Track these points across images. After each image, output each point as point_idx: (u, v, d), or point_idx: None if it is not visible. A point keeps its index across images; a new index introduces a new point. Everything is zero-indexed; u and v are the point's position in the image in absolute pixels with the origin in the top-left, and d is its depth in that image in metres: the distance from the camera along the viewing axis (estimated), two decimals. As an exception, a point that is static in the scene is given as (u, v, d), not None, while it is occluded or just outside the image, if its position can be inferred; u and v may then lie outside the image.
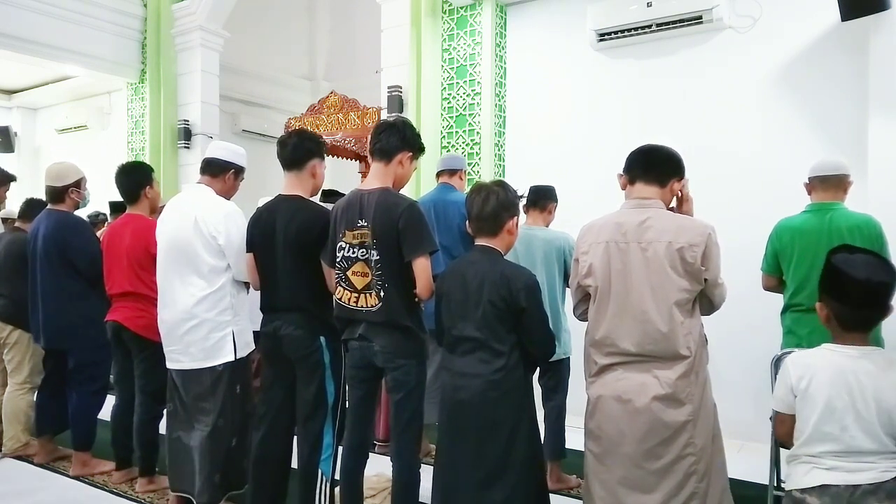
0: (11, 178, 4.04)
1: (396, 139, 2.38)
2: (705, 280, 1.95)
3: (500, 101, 4.91)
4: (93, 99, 7.52)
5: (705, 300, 2.02)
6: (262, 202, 2.73)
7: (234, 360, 2.70)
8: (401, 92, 5.03)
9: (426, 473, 2.35)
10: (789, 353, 2.39)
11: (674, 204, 2.17)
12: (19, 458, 3.67)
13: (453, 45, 4.95)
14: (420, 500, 2.40)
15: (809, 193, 3.06)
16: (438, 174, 3.67)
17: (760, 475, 2.83)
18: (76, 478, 3.39)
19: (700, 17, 4.08)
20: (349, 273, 2.34)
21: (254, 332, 2.79)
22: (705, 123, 4.15)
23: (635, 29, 4.31)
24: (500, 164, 4.92)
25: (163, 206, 3.18)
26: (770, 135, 3.96)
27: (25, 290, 3.51)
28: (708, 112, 4.16)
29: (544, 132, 4.81)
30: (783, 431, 1.87)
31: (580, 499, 2.32)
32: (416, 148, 2.45)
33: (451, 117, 4.96)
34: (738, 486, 2.32)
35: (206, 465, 2.68)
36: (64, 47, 6.09)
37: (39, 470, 3.54)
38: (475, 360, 2.11)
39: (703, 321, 2.05)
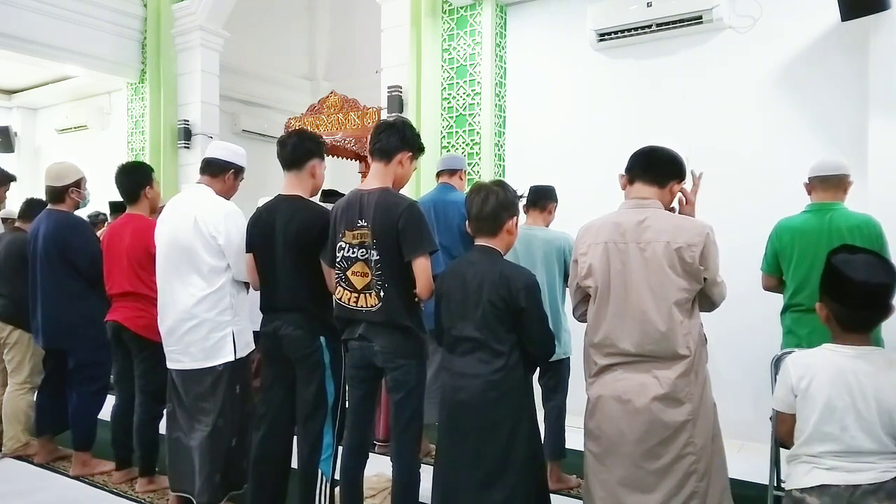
0: (11, 178, 4.04)
1: (396, 139, 2.38)
2: (704, 279, 1.95)
3: (500, 101, 4.91)
4: (93, 99, 7.52)
5: (705, 298, 2.02)
6: (261, 202, 2.73)
7: (234, 360, 2.70)
8: (401, 92, 5.03)
9: (426, 473, 2.35)
10: (789, 353, 2.40)
11: (675, 205, 2.18)
12: (19, 458, 3.67)
13: (453, 45, 4.95)
14: (420, 500, 2.40)
15: (809, 193, 3.06)
16: (438, 174, 3.67)
17: (760, 475, 2.83)
18: (76, 478, 3.39)
19: (700, 17, 4.09)
20: (349, 273, 2.34)
21: (254, 332, 2.79)
22: (705, 123, 4.15)
23: (635, 29, 4.31)
24: (500, 164, 4.92)
25: (163, 206, 3.18)
26: (770, 135, 3.97)
27: (25, 290, 3.51)
28: (708, 112, 4.16)
29: (544, 132, 4.81)
30: (784, 431, 1.88)
31: (580, 499, 2.32)
32: (416, 148, 2.45)
33: (451, 117, 4.96)
34: (738, 486, 2.32)
35: (206, 466, 2.68)
36: (64, 47, 6.09)
37: (39, 470, 3.54)
38: (475, 361, 2.11)
39: (702, 321, 2.05)
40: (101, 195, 5.23)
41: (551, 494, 2.28)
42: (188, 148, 6.42)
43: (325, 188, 3.74)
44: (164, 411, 2.97)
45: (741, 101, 4.06)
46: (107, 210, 5.48)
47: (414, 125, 2.51)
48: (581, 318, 2.20)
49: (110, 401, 3.39)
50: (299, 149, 2.59)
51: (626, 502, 1.96)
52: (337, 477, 2.52)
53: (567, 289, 2.80)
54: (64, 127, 7.67)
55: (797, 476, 1.76)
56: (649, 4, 4.20)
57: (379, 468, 3.08)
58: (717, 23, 4.06)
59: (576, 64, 4.68)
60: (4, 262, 3.76)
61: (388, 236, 2.27)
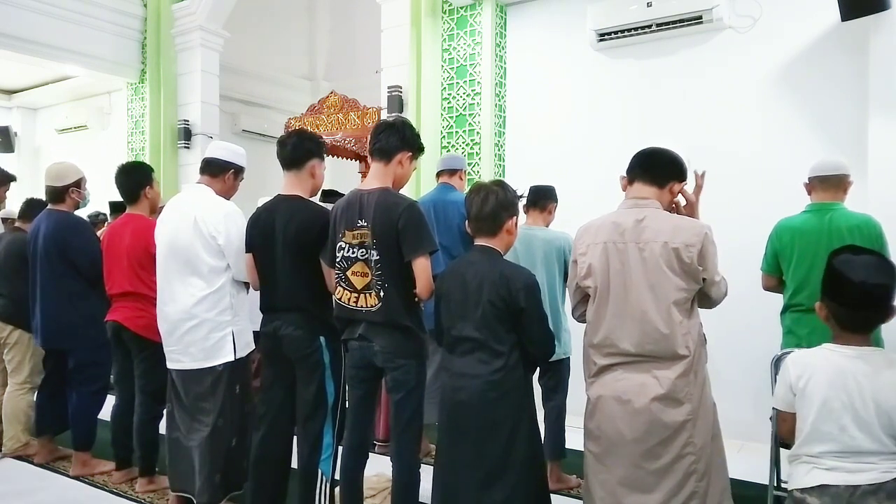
0: (11, 178, 4.04)
1: (396, 139, 2.38)
2: (703, 279, 1.95)
3: (500, 101, 4.91)
4: (93, 99, 7.52)
5: (704, 297, 2.02)
6: (261, 202, 2.73)
7: (233, 360, 2.70)
8: (401, 92, 5.03)
9: (426, 473, 2.35)
10: (789, 353, 2.40)
11: (679, 200, 2.17)
12: (19, 458, 3.67)
13: (453, 45, 4.95)
14: (420, 500, 2.40)
15: (809, 193, 3.06)
16: (438, 174, 3.67)
17: (760, 475, 2.83)
18: (76, 478, 3.39)
19: (700, 17, 4.09)
20: (349, 273, 2.34)
21: (254, 332, 2.79)
22: (705, 123, 4.15)
23: (635, 29, 4.31)
24: (500, 164, 4.92)
25: (163, 206, 3.18)
26: (770, 135, 3.96)
27: (25, 289, 3.52)
28: (708, 112, 4.16)
29: (544, 132, 4.81)
30: (785, 430, 1.88)
31: (580, 499, 2.32)
32: (416, 148, 2.45)
33: (451, 117, 4.96)
34: (738, 486, 2.31)
35: (207, 466, 2.68)
36: (64, 47, 6.09)
37: (39, 470, 3.54)
38: (474, 361, 2.11)
39: (702, 321, 2.05)
40: (101, 195, 5.23)
41: (551, 494, 2.28)
42: (188, 148, 6.42)
43: (325, 188, 3.74)
44: (164, 411, 2.97)
45: (741, 101, 4.06)
46: (107, 210, 5.48)
47: (414, 125, 2.51)
48: (580, 318, 2.20)
49: (110, 401, 3.39)
50: (299, 149, 2.59)
51: (625, 502, 1.96)
52: (337, 477, 2.52)
53: (567, 289, 2.80)
54: (64, 127, 7.67)
55: (798, 476, 1.76)
56: (649, 4, 4.20)
57: (379, 468, 3.08)
58: (717, 23, 4.06)
59: (576, 64, 4.68)
60: (4, 262, 3.76)
61: (388, 236, 2.27)
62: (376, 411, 3.42)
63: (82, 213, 3.75)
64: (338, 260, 2.37)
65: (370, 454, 2.53)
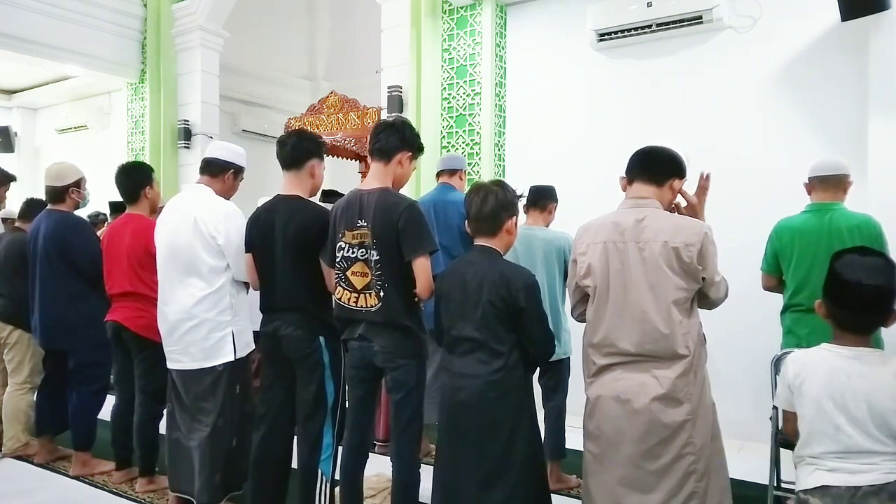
0: (11, 178, 4.04)
1: (395, 139, 2.38)
2: (703, 279, 1.95)
3: (500, 101, 4.91)
4: (93, 99, 7.52)
5: (704, 297, 2.02)
6: (261, 202, 2.73)
7: (233, 360, 2.70)
8: (401, 92, 5.03)
9: (426, 473, 2.35)
10: (789, 353, 2.40)
11: (680, 201, 2.17)
12: (19, 458, 3.67)
13: (453, 45, 4.95)
14: (420, 500, 2.40)
15: (809, 193, 3.06)
16: (438, 174, 3.67)
17: (760, 475, 2.83)
18: (76, 478, 3.39)
19: (700, 17, 4.09)
20: (349, 273, 2.34)
21: (254, 332, 2.79)
22: (705, 123, 4.15)
23: (635, 29, 4.31)
24: (500, 164, 4.92)
25: (163, 206, 3.18)
26: (770, 135, 3.96)
27: (25, 289, 3.52)
28: (708, 112, 4.16)
29: (544, 132, 4.81)
30: (789, 429, 1.90)
31: (580, 499, 2.32)
32: (416, 148, 2.45)
33: (451, 117, 4.96)
34: (738, 486, 2.31)
35: (207, 466, 2.68)
36: (64, 47, 6.09)
37: (39, 470, 3.54)
38: (474, 361, 2.11)
39: (702, 320, 2.05)
40: (101, 195, 5.23)
41: (551, 494, 2.28)
42: (188, 148, 6.42)
43: (325, 188, 3.74)
44: (165, 411, 2.97)
45: (741, 101, 4.06)
46: (107, 210, 5.48)
47: (414, 125, 2.51)
48: (580, 318, 2.19)
49: (110, 401, 3.39)
50: (298, 149, 2.59)
51: (625, 502, 1.96)
52: (337, 477, 2.51)
53: (566, 288, 2.80)
54: (64, 127, 7.67)
55: (802, 478, 1.76)
56: (649, 4, 4.20)
57: (379, 468, 3.08)
58: (717, 23, 4.06)
59: (576, 64, 4.68)
60: (4, 261, 3.76)
61: (388, 236, 2.27)
62: (376, 411, 3.42)
63: (82, 213, 3.75)
64: (338, 260, 2.37)
65: (370, 454, 2.53)
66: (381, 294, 2.28)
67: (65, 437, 3.58)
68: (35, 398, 3.72)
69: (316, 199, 2.76)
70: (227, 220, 2.68)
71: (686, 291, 1.95)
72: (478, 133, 4.82)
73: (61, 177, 3.44)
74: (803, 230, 2.95)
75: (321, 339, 2.51)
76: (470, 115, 4.87)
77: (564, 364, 3.22)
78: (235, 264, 2.68)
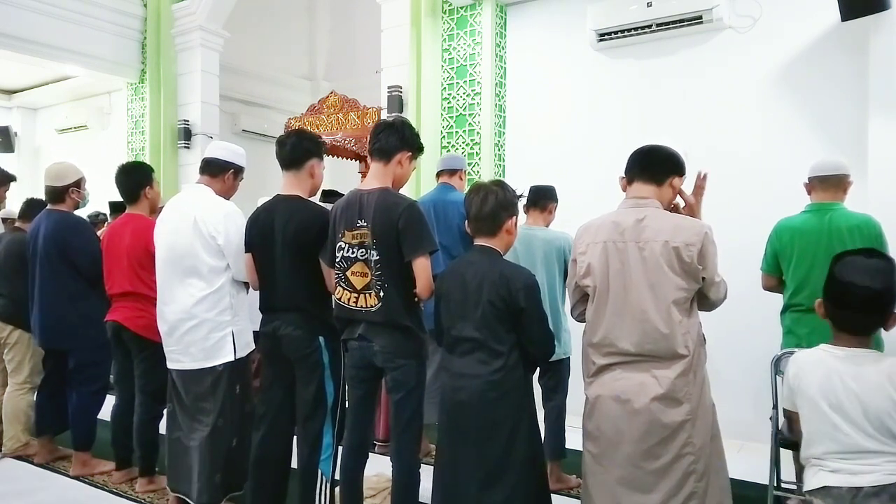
0: (11, 178, 4.04)
1: (395, 139, 2.38)
2: (703, 279, 1.95)
3: (500, 101, 4.91)
4: (93, 99, 7.52)
5: (704, 298, 2.02)
6: (261, 202, 2.73)
7: (233, 360, 2.70)
8: (401, 92, 5.03)
9: (426, 473, 2.35)
10: (789, 353, 2.40)
11: (679, 201, 2.17)
12: (19, 458, 3.67)
13: (453, 45, 4.95)
14: (420, 500, 2.40)
15: (809, 193, 3.06)
16: (438, 174, 3.67)
17: (760, 475, 2.83)
18: (76, 478, 3.39)
19: (700, 17, 4.08)
20: (349, 273, 2.34)
21: (253, 332, 2.79)
22: (705, 123, 4.15)
23: (635, 29, 4.31)
24: (500, 164, 4.92)
25: (162, 206, 3.17)
26: (770, 135, 3.96)
27: (25, 289, 3.52)
28: (708, 112, 4.16)
29: (544, 132, 4.80)
30: (794, 428, 1.90)
31: (580, 499, 2.32)
32: (415, 148, 2.45)
33: (451, 117, 4.96)
34: (738, 486, 2.31)
35: (207, 466, 2.68)
36: (64, 47, 6.09)
37: (39, 470, 3.54)
38: (474, 361, 2.11)
39: (702, 321, 2.05)
40: (101, 195, 5.23)
41: (551, 494, 2.28)
42: (188, 148, 6.42)
43: (325, 188, 3.74)
44: (165, 411, 2.97)
45: (741, 101, 4.06)
46: (107, 210, 5.48)
47: (414, 125, 2.51)
48: (579, 317, 2.19)
49: (110, 401, 3.39)
50: (298, 148, 2.59)
51: (625, 502, 1.96)
52: (337, 477, 2.51)
53: (566, 288, 2.81)
54: (64, 127, 7.67)
55: (807, 479, 1.77)
56: (649, 4, 4.20)
57: (379, 468, 3.08)
58: (717, 23, 4.06)
59: (576, 64, 4.68)
60: (4, 261, 3.76)
61: (388, 236, 2.27)
62: (376, 411, 3.42)
63: (82, 213, 3.75)
64: (337, 260, 2.37)
65: (370, 454, 2.53)
66: (381, 294, 2.28)
67: (65, 437, 3.58)
68: (35, 398, 3.72)
69: (316, 199, 2.76)
70: (227, 220, 2.68)
71: (686, 291, 1.95)
72: (478, 133, 4.82)
73: (61, 177, 3.44)
74: (803, 230, 2.95)
75: (321, 339, 2.51)
76: (470, 115, 4.87)
77: (564, 364, 3.22)
78: (235, 264, 2.68)
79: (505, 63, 4.97)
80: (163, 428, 3.00)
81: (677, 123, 4.19)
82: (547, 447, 2.85)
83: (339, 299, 2.38)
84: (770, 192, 3.81)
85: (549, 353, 2.22)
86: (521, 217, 2.42)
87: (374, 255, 2.28)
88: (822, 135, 3.79)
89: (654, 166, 2.08)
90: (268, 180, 4.85)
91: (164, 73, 6.43)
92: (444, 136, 4.98)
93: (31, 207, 4.00)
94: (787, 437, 2.56)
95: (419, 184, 4.68)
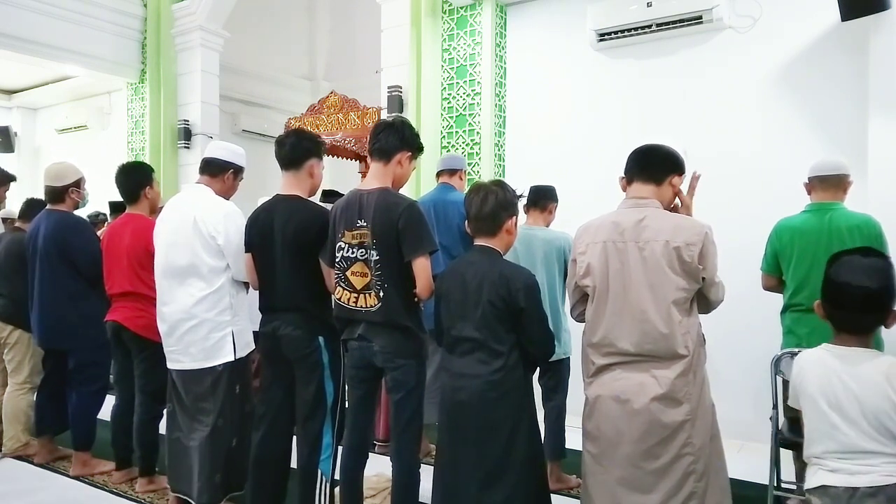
0: (11, 178, 4.05)
1: (395, 139, 2.38)
2: (703, 279, 1.95)
3: (500, 101, 4.91)
4: (93, 99, 7.52)
5: (703, 299, 2.02)
6: (261, 202, 2.73)
7: (233, 360, 2.70)
8: (401, 92, 5.03)
9: (426, 473, 2.35)
10: (789, 353, 2.40)
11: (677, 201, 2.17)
12: (19, 458, 3.67)
13: (453, 45, 4.95)
14: (420, 500, 2.40)
15: (809, 193, 3.06)
16: (438, 174, 3.67)
17: (760, 475, 2.83)
18: (76, 478, 3.39)
19: (700, 17, 4.08)
20: (348, 273, 2.34)
21: (253, 332, 2.79)
22: (705, 123, 4.15)
23: (635, 29, 4.31)
24: (500, 164, 4.92)
25: (162, 207, 3.17)
26: (770, 135, 3.96)
27: (25, 290, 3.52)
28: (708, 112, 4.16)
29: (544, 132, 4.80)
30: (801, 428, 1.90)
31: (580, 499, 2.32)
32: (415, 147, 2.45)
33: (451, 117, 4.96)
34: (738, 486, 2.32)
35: (207, 466, 2.68)
36: (64, 47, 6.09)
37: (39, 470, 3.54)
38: (474, 361, 2.11)
39: (702, 321, 2.05)
40: (101, 195, 5.23)
41: (551, 494, 2.28)
42: (188, 148, 6.42)
43: (326, 188, 3.75)
44: (165, 411, 2.97)
45: (741, 101, 4.06)
46: (107, 210, 5.48)
47: (414, 125, 2.51)
48: (579, 318, 2.19)
49: (110, 401, 3.39)
50: (297, 148, 2.59)
51: (624, 502, 1.96)
52: (337, 477, 2.51)
53: (566, 288, 2.81)
54: (64, 127, 7.67)
55: (808, 478, 1.78)
56: (649, 4, 4.20)
57: (379, 468, 3.08)
58: (717, 23, 4.06)
59: (576, 64, 4.68)
60: (4, 261, 3.76)
61: (388, 236, 2.26)
62: (376, 411, 3.42)
63: (81, 212, 3.75)
64: (337, 260, 2.37)
65: (370, 454, 2.53)
66: (381, 294, 2.28)
67: (65, 437, 3.58)
68: (35, 398, 3.72)
69: (316, 199, 2.76)
70: (227, 220, 2.68)
71: (686, 292, 1.95)
72: (478, 133, 4.82)
73: (61, 177, 3.44)
74: (803, 230, 2.95)
75: (320, 339, 2.51)
76: (470, 115, 4.87)
77: (564, 364, 3.22)
78: (235, 264, 2.68)
79: (505, 63, 4.97)
80: (163, 428, 3.00)
81: (677, 123, 4.19)
82: (547, 447, 2.85)
83: (339, 299, 2.38)
84: (770, 192, 3.80)
85: (549, 353, 2.22)
86: (522, 217, 2.42)
87: (374, 255, 2.28)
88: (822, 135, 3.79)
89: (652, 166, 2.08)
90: (268, 180, 4.84)
91: (164, 73, 6.43)
92: (444, 136, 4.98)
93: (31, 207, 4.00)
94: (787, 437, 2.56)
95: (419, 184, 4.68)
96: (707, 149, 3.98)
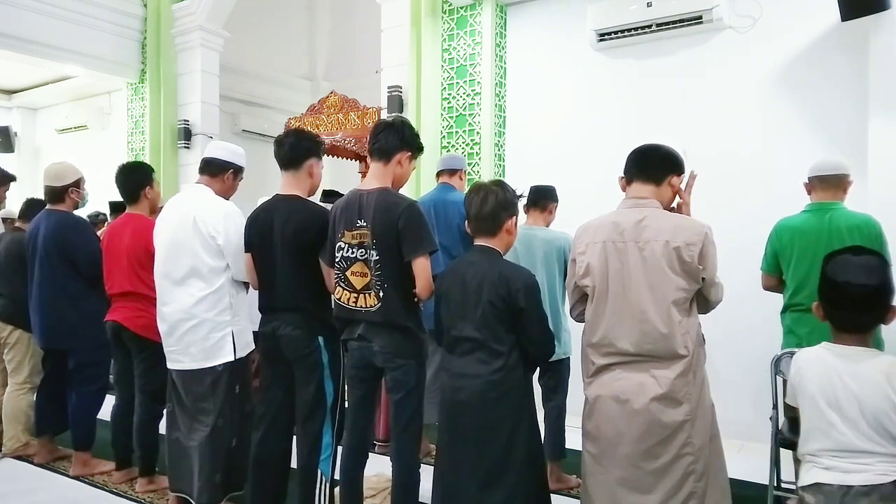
0: (11, 178, 4.05)
1: (395, 139, 2.38)
2: (703, 279, 1.95)
3: (500, 101, 4.91)
4: (93, 99, 7.52)
5: (702, 299, 2.02)
6: (261, 202, 2.73)
7: (233, 360, 2.70)
8: (401, 92, 5.03)
9: (426, 473, 2.35)
10: (789, 353, 2.40)
11: (675, 204, 2.17)
12: (19, 458, 3.67)
13: (453, 45, 4.95)
14: (420, 500, 2.40)
15: (809, 193, 3.06)
16: (438, 174, 3.67)
17: (760, 475, 2.83)
18: (76, 478, 3.39)
19: (700, 17, 4.09)
20: (348, 273, 2.34)
21: (253, 332, 2.79)
22: (705, 123, 4.15)
23: (635, 29, 4.31)
24: (500, 164, 4.92)
25: (162, 207, 3.17)
26: (770, 135, 3.96)
27: (25, 289, 3.52)
28: (708, 112, 4.16)
29: (544, 132, 4.80)
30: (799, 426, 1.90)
31: (580, 499, 2.32)
32: (415, 147, 2.45)
33: (451, 117, 4.96)
34: (738, 486, 2.32)
35: (207, 466, 2.68)
36: (64, 47, 6.09)
37: (39, 470, 3.54)
38: (474, 361, 2.11)
39: (702, 321, 2.05)
40: (101, 195, 5.23)
41: (551, 494, 2.28)
42: (188, 148, 6.42)
43: (326, 188, 3.74)
44: (165, 411, 2.97)
45: (741, 101, 4.06)
46: (107, 210, 5.49)
47: (414, 125, 2.51)
48: (578, 318, 2.19)
49: (110, 401, 3.38)
50: (296, 148, 2.58)
51: (624, 503, 1.96)
52: (337, 477, 2.51)
53: (566, 288, 2.81)
54: (64, 127, 7.67)
55: (801, 475, 1.78)
56: (649, 4, 4.20)
57: (379, 468, 3.08)
58: (717, 23, 4.06)
59: (576, 64, 4.68)
60: (4, 261, 3.76)
61: (388, 236, 2.26)
62: (376, 411, 3.42)
63: (81, 212, 3.75)
64: (337, 260, 2.37)
65: (370, 454, 2.53)
66: (381, 294, 2.28)
67: (65, 437, 3.58)
68: (35, 398, 3.72)
69: (316, 199, 2.76)
70: (227, 219, 2.68)
71: (686, 292, 1.95)
72: (478, 133, 4.82)
73: (60, 177, 3.44)
74: (803, 230, 2.95)
75: (320, 339, 2.51)
76: (470, 115, 4.87)
77: (564, 364, 3.22)
78: (235, 264, 2.68)
79: (505, 63, 4.97)
80: (163, 428, 3.00)
81: (677, 123, 4.19)
82: (547, 447, 2.85)
83: (339, 299, 2.38)
84: (770, 192, 3.81)
85: (549, 353, 2.22)
86: (522, 217, 2.42)
87: (374, 255, 2.28)
88: (822, 135, 3.79)
89: (652, 166, 2.08)
90: (268, 180, 4.84)
91: (164, 73, 6.43)
92: (444, 136, 4.98)
93: (31, 207, 4.00)
94: (787, 437, 2.56)
95: (419, 184, 4.68)
96: (707, 149, 3.98)
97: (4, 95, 8.04)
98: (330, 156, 5.10)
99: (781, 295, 3.10)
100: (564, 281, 3.12)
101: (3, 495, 3.21)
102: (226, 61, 6.70)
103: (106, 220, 5.60)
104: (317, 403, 2.53)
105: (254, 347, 2.84)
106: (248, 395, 2.82)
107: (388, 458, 2.41)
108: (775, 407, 2.61)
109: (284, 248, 2.50)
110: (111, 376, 3.42)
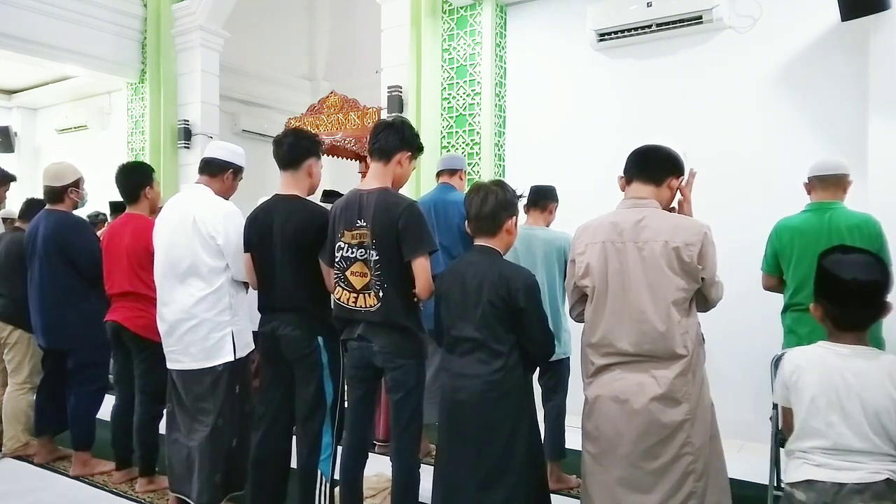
0: (11, 178, 4.05)
1: (395, 139, 2.38)
2: (702, 279, 1.95)
3: (500, 101, 4.91)
4: (93, 99, 7.52)
5: (702, 298, 2.02)
6: (261, 202, 2.73)
7: (233, 360, 2.69)
8: (401, 92, 5.03)
9: (426, 473, 2.35)
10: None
11: (675, 204, 2.17)
12: (19, 458, 3.67)
13: (453, 45, 4.95)
14: (420, 500, 2.40)
15: (809, 193, 3.06)
16: (438, 174, 3.67)
17: (760, 475, 2.83)
18: (76, 478, 3.39)
19: (700, 17, 4.09)
20: (348, 273, 2.34)
21: (253, 332, 2.79)
22: (705, 123, 4.15)
23: (635, 29, 4.31)
24: (500, 164, 4.92)
25: (162, 207, 3.17)
26: (770, 135, 3.96)
27: (25, 289, 3.52)
28: (708, 112, 4.16)
29: (544, 132, 4.81)
30: (786, 425, 1.90)
31: (580, 499, 2.32)
32: (415, 147, 2.45)
33: (451, 117, 4.96)
34: (738, 486, 2.32)
35: (207, 466, 2.68)
36: (64, 47, 6.09)
37: (39, 470, 3.54)
38: (474, 361, 2.11)
39: (701, 321, 2.05)
40: (101, 195, 5.23)
41: (551, 494, 2.28)
42: (188, 148, 6.42)
43: (326, 188, 3.74)
44: (165, 411, 2.97)
45: (741, 101, 4.06)
46: (107, 210, 5.49)
47: (414, 125, 2.51)
48: (578, 318, 2.19)
49: (110, 401, 3.38)
50: (296, 148, 2.58)
51: (624, 502, 1.96)
52: (337, 477, 2.51)
53: (565, 288, 2.80)
54: (64, 127, 7.67)
55: (790, 471, 1.78)
56: (649, 4, 4.20)
57: (379, 468, 3.08)
58: (717, 23, 4.06)
59: (576, 64, 4.68)
60: (4, 261, 3.76)
61: (388, 236, 2.26)
62: (376, 411, 3.42)
63: (80, 212, 3.75)
64: (337, 260, 2.37)
65: (370, 454, 2.53)
66: (381, 294, 2.28)
67: (65, 437, 3.58)
68: (35, 398, 3.72)
69: (316, 199, 2.76)
70: (227, 219, 2.67)
71: (685, 292, 1.95)
72: (478, 133, 4.82)
73: (60, 177, 3.44)
74: (803, 229, 2.95)
75: (320, 339, 2.51)
76: (470, 115, 4.87)
77: (564, 364, 3.22)
78: (235, 264, 2.68)
79: (505, 63, 4.97)
80: (163, 428, 3.00)
81: (677, 123, 4.19)
82: (547, 447, 2.85)
83: (339, 299, 2.38)
84: (770, 192, 3.81)
85: (549, 353, 2.22)
86: (522, 217, 2.42)
87: (374, 255, 2.28)
88: (822, 135, 3.79)
89: (652, 167, 2.08)
90: (268, 180, 4.84)
91: (164, 73, 6.43)
92: (444, 136, 4.98)
93: (30, 207, 4.00)
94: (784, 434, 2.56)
95: (419, 184, 4.68)
96: (707, 149, 3.98)
97: (4, 95, 8.04)
98: (330, 156, 5.10)
99: (781, 295, 3.10)
100: (564, 281, 3.13)
101: (3, 495, 3.21)
102: (226, 61, 6.70)
103: (106, 220, 5.60)
104: (316, 403, 2.52)
105: (254, 347, 2.84)
106: (248, 396, 2.82)
107: (388, 458, 2.41)
108: (775, 407, 2.61)
109: (284, 248, 2.50)
110: (111, 376, 3.42)
